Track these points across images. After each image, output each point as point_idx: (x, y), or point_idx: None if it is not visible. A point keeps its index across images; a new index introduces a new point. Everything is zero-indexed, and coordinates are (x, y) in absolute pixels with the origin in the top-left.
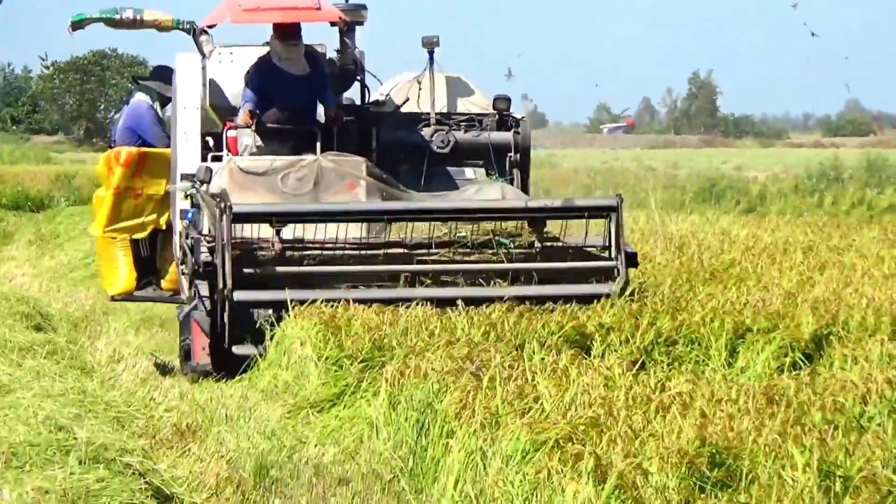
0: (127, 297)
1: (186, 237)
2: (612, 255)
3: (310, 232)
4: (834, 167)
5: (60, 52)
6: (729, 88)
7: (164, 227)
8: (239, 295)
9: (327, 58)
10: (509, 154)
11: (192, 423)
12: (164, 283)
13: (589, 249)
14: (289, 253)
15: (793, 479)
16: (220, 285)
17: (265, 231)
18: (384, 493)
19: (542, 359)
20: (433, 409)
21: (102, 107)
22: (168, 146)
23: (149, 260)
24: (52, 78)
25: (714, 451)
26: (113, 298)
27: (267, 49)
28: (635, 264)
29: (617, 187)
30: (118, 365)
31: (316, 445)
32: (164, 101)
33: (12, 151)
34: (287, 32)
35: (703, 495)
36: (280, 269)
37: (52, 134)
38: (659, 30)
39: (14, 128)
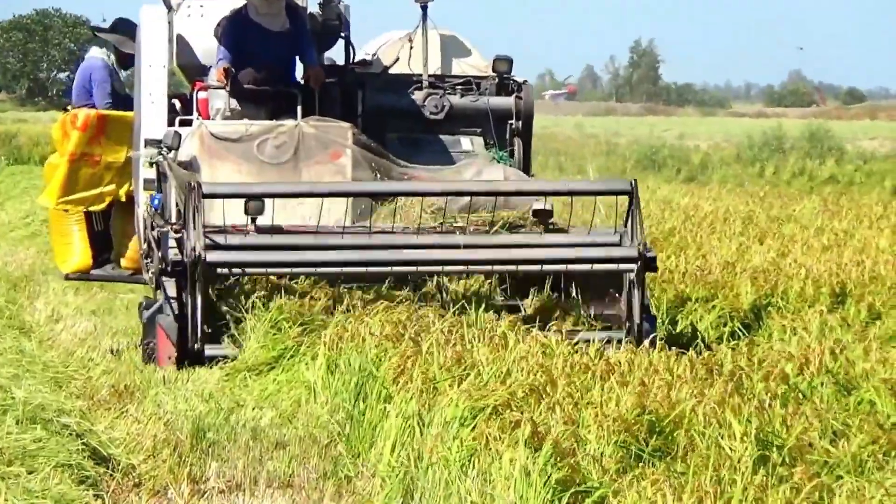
0: (82, 275)
1: (152, 228)
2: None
3: (288, 213)
4: (777, 137)
5: (2, 11)
6: (671, 57)
7: (123, 199)
8: (213, 255)
9: (308, 12)
10: (510, 121)
11: (129, 385)
12: (123, 262)
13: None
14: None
15: (731, 449)
16: (190, 249)
17: (238, 216)
18: (321, 457)
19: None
20: (371, 374)
21: (45, 66)
22: (111, 109)
23: (103, 235)
24: None
25: (653, 419)
26: (67, 277)
27: (242, 2)
28: (654, 268)
29: (556, 154)
30: (57, 325)
31: (253, 408)
32: (122, 57)
33: None
34: None
35: (640, 464)
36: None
37: None
38: None
39: None
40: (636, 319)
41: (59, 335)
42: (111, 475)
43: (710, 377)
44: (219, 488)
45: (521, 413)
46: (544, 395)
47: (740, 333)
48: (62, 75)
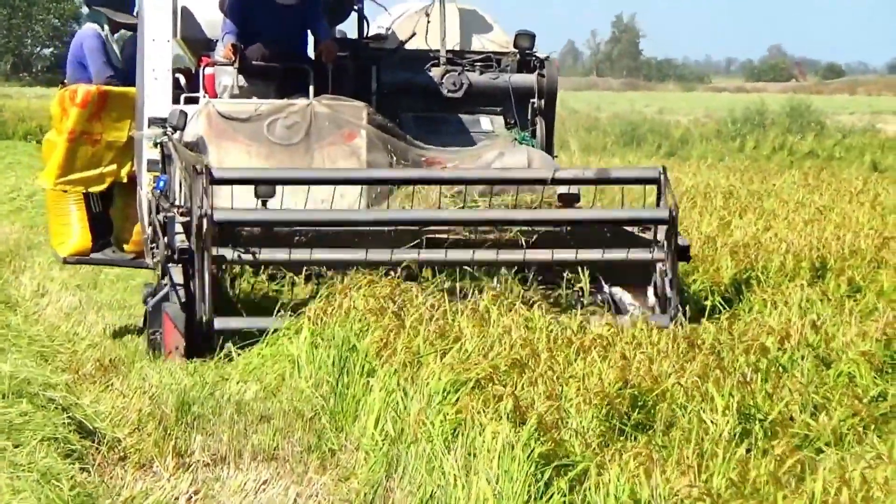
0: (81, 258)
1: (157, 211)
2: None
3: (300, 196)
4: (758, 112)
5: None
6: (652, 32)
7: (124, 180)
8: (220, 215)
9: None
10: (532, 100)
11: (115, 359)
12: (126, 247)
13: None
14: (276, 228)
15: (712, 422)
16: (198, 207)
17: (248, 199)
18: (305, 430)
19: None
20: (354, 348)
21: (29, 42)
22: (108, 83)
23: (102, 216)
24: None
25: (634, 393)
26: (65, 261)
27: None
28: (687, 258)
29: None
30: (42, 299)
31: (238, 382)
32: (116, 27)
33: None
34: None
35: (622, 438)
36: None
37: None
38: None
39: None
40: (669, 294)
41: (45, 310)
42: (97, 449)
43: (692, 351)
44: (204, 461)
45: (504, 387)
46: (527, 369)
47: (721, 307)
48: (46, 51)
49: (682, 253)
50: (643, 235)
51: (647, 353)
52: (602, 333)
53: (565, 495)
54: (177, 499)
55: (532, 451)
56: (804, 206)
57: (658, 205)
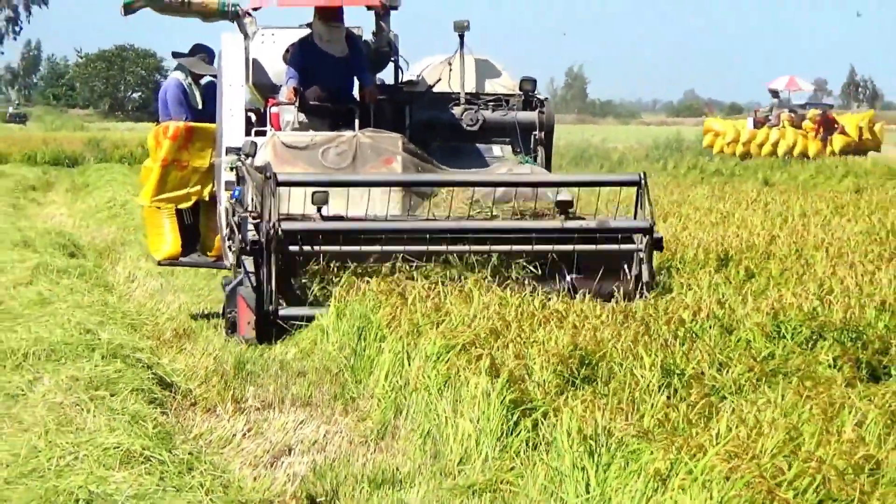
0: (172, 261)
1: (233, 214)
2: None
3: (351, 209)
4: (676, 140)
5: (90, 46)
6: (595, 79)
7: (207, 198)
8: (287, 225)
9: (364, 40)
10: (534, 132)
11: (187, 329)
12: (209, 252)
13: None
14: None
15: (642, 376)
16: (267, 218)
17: (308, 209)
18: (332, 383)
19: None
20: (369, 320)
21: (122, 88)
22: (186, 120)
23: (192, 228)
24: (84, 65)
25: (582, 354)
26: (160, 263)
27: (306, 31)
28: (660, 248)
29: None
30: (132, 284)
31: (280, 347)
32: (195, 77)
33: (53, 121)
34: (331, 15)
35: (573, 388)
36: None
37: (84, 108)
38: (544, 33)
39: (55, 103)
40: (646, 277)
41: (134, 291)
42: (174, 397)
43: (627, 321)
44: (255, 406)
45: (483, 349)
46: (500, 336)
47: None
48: (135, 95)
49: (657, 244)
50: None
51: (592, 323)
52: (558, 308)
53: (529, 431)
54: (234, 435)
55: (504, 398)
56: (712, 212)
57: (637, 202)
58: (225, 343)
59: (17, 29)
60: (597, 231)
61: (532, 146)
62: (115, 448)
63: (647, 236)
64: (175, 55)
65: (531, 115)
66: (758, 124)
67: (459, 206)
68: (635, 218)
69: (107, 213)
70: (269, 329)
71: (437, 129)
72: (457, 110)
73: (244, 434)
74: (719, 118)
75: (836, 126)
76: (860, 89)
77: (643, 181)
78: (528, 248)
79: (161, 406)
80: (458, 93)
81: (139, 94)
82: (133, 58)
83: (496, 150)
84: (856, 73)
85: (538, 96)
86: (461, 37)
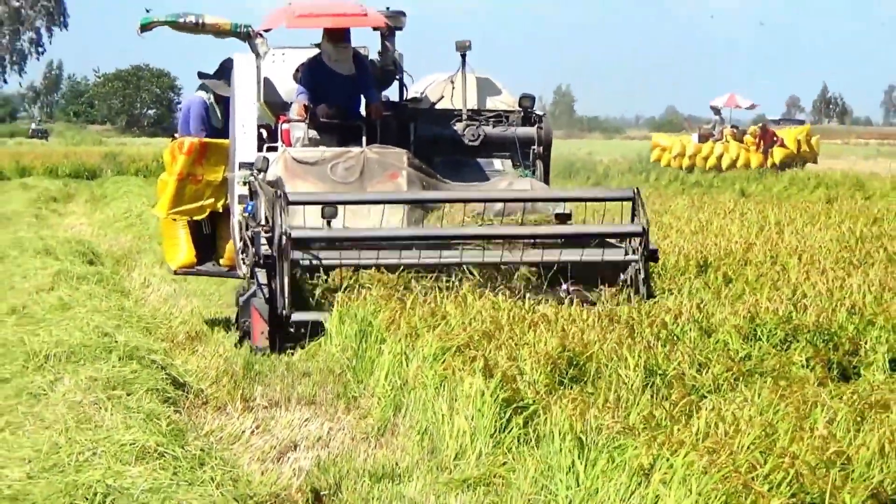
0: (188, 270)
1: (247, 228)
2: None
3: (356, 221)
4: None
5: (108, 66)
6: (582, 97)
7: (220, 210)
8: (297, 233)
9: (370, 59)
10: (533, 147)
11: (199, 332)
12: (222, 261)
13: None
14: (337, 242)
15: (626, 376)
16: (278, 230)
17: (318, 223)
18: (335, 382)
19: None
20: (370, 323)
21: (138, 106)
22: (204, 136)
23: (210, 237)
24: (102, 84)
25: (571, 355)
26: (175, 272)
27: (315, 51)
28: (655, 259)
29: None
30: (147, 289)
31: (287, 348)
32: (217, 98)
33: (73, 136)
34: (338, 36)
35: (562, 387)
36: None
37: (102, 124)
38: (534, 53)
39: (75, 119)
40: (641, 286)
41: (149, 296)
42: (186, 396)
43: (612, 325)
44: (263, 405)
45: (478, 351)
46: (494, 338)
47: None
48: (150, 112)
49: (652, 255)
50: (618, 244)
51: (579, 326)
52: (547, 313)
53: (521, 428)
54: (243, 432)
55: (497, 397)
56: (691, 222)
57: (633, 218)
58: (235, 346)
59: (40, 50)
60: (593, 235)
61: (531, 160)
62: (131, 444)
63: (642, 243)
64: (200, 76)
65: (530, 131)
66: (702, 139)
67: (463, 218)
68: (630, 245)
69: (124, 223)
70: (282, 336)
71: (440, 145)
72: (459, 126)
73: (252, 431)
74: (664, 134)
75: (775, 139)
76: (831, 106)
77: (637, 196)
78: (534, 258)
79: (174, 405)
80: (461, 109)
81: (154, 110)
82: (148, 77)
83: (497, 164)
84: (827, 90)
85: (537, 112)
86: (463, 56)
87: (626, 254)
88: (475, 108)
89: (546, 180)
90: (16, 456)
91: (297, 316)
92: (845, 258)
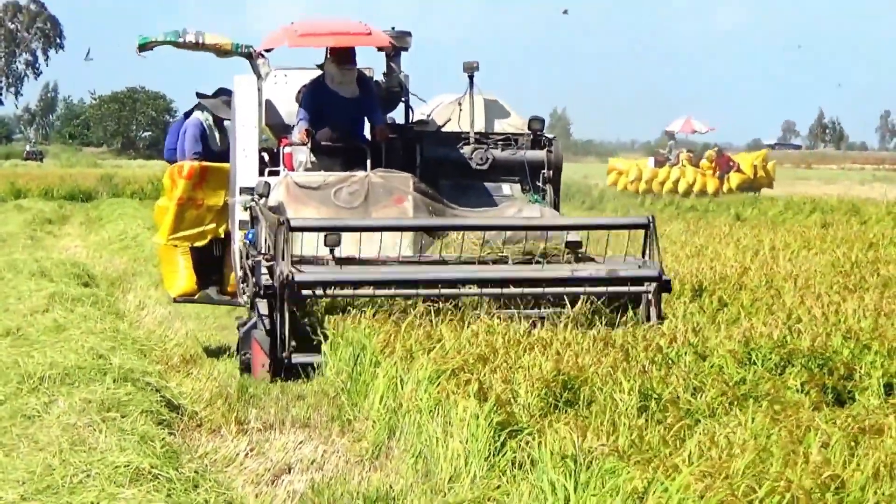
0: (188, 298)
1: (247, 257)
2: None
3: (363, 249)
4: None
5: (104, 88)
6: (577, 120)
7: (222, 236)
8: (300, 276)
9: (375, 81)
10: (542, 171)
11: (194, 354)
12: (228, 288)
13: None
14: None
15: (620, 400)
16: (280, 272)
17: (321, 251)
18: (329, 405)
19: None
20: (364, 346)
21: (134, 128)
22: (193, 159)
23: (219, 261)
24: (98, 107)
25: (565, 378)
26: (175, 300)
27: (318, 72)
28: (668, 289)
29: None
30: (142, 311)
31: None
32: (217, 119)
33: (69, 158)
34: (345, 58)
35: (556, 411)
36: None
37: (98, 146)
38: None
39: (70, 141)
40: (653, 317)
41: (144, 319)
42: (181, 418)
43: (607, 348)
44: (257, 427)
45: (472, 374)
46: (488, 362)
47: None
48: (146, 134)
49: (665, 286)
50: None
51: (574, 350)
52: (542, 336)
53: (515, 452)
54: (237, 454)
55: (492, 420)
56: (687, 246)
57: (645, 249)
58: (229, 368)
59: (36, 71)
60: (606, 281)
61: (541, 184)
62: (126, 466)
63: (656, 283)
64: (199, 96)
65: (540, 154)
66: (658, 164)
67: (470, 245)
68: (643, 256)
69: (119, 245)
70: (283, 372)
71: (446, 168)
72: (466, 149)
73: (247, 454)
74: (621, 158)
75: (731, 164)
76: (827, 131)
77: (651, 224)
78: (538, 290)
79: (169, 427)
80: (468, 132)
81: (149, 133)
82: (144, 99)
83: (505, 188)
84: (823, 115)
85: (546, 136)
86: (470, 77)
87: (637, 287)
88: (483, 130)
89: (556, 205)
90: (10, 478)
91: (297, 358)
92: (840, 283)
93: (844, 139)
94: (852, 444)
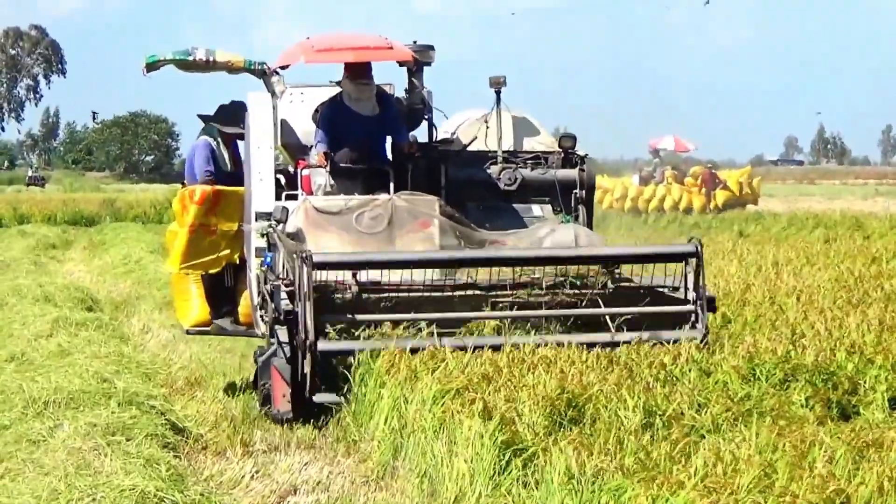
0: (201, 329)
1: (265, 282)
2: (690, 299)
3: (385, 273)
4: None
5: (106, 113)
6: (583, 139)
7: (237, 262)
8: (323, 345)
9: (396, 97)
10: (574, 191)
11: (198, 377)
12: (240, 318)
13: (661, 290)
14: (365, 296)
15: (625, 417)
16: (303, 336)
17: (342, 273)
18: (335, 426)
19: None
20: (370, 367)
21: (136, 152)
22: (205, 182)
23: (231, 291)
24: (100, 131)
25: (570, 397)
26: (188, 332)
27: (336, 89)
28: (714, 309)
29: None
30: (146, 335)
31: None
32: (227, 137)
33: (72, 183)
34: (359, 72)
35: (561, 429)
36: (358, 316)
37: (101, 171)
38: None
39: (73, 166)
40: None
41: (148, 342)
42: (186, 441)
43: (611, 366)
44: (262, 449)
45: (476, 394)
46: (493, 381)
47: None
48: (148, 158)
49: (710, 304)
50: (674, 295)
51: (578, 368)
52: (546, 354)
53: (520, 470)
54: (243, 476)
55: (496, 439)
56: None
57: (696, 276)
58: (234, 390)
59: (37, 96)
60: (648, 317)
61: (573, 205)
62: (131, 490)
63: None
64: (201, 118)
65: (571, 173)
66: (643, 181)
67: (500, 269)
68: (686, 282)
69: (122, 269)
70: (308, 408)
71: (473, 189)
72: (494, 169)
73: (252, 475)
74: (606, 176)
75: (717, 181)
76: (829, 146)
77: (699, 252)
78: (578, 311)
79: (174, 450)
80: (495, 151)
81: (152, 157)
82: (146, 123)
83: (536, 209)
84: (825, 130)
85: (578, 153)
86: (497, 93)
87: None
88: (511, 149)
89: (589, 226)
90: (16, 502)
91: (319, 398)
92: (843, 298)
93: (846, 154)
94: (857, 458)
